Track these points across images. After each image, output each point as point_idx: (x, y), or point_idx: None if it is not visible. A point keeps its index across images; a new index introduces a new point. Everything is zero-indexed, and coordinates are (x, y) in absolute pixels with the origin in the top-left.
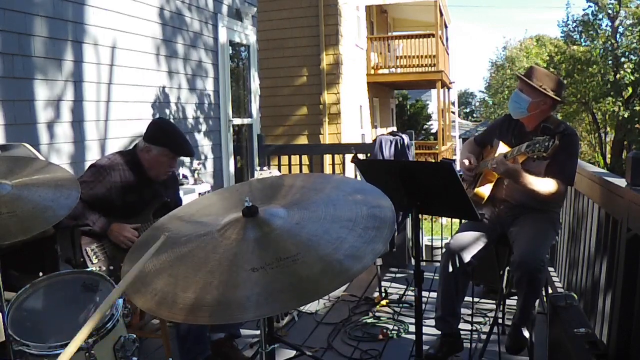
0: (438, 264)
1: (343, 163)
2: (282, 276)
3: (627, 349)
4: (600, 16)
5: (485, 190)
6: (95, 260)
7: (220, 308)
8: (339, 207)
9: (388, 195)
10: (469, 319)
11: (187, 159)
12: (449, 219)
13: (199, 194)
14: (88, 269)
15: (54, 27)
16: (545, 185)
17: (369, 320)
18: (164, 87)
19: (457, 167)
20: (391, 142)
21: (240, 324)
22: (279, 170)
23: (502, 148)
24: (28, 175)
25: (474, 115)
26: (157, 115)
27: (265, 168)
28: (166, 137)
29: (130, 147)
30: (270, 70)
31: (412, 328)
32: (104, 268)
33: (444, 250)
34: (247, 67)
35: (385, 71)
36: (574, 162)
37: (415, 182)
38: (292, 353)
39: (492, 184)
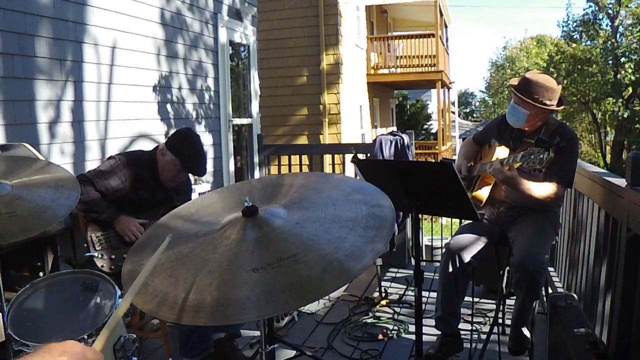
0: (438, 264)
1: (343, 163)
2: (283, 276)
3: (627, 349)
4: (600, 16)
5: (483, 193)
6: (98, 248)
7: (221, 309)
8: (339, 207)
9: (388, 196)
10: (469, 319)
11: None
12: (449, 219)
13: (199, 193)
14: (89, 254)
15: (55, 27)
16: (543, 190)
17: (369, 320)
18: (164, 87)
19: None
20: (391, 142)
21: (240, 323)
22: (279, 170)
23: (500, 151)
24: (28, 175)
25: (474, 115)
26: (158, 115)
27: None
28: (183, 149)
29: (152, 148)
30: (270, 70)
31: (412, 328)
32: (105, 257)
33: (444, 250)
34: (247, 67)
35: (385, 71)
36: (573, 165)
37: (415, 182)
38: (292, 353)
39: (490, 186)
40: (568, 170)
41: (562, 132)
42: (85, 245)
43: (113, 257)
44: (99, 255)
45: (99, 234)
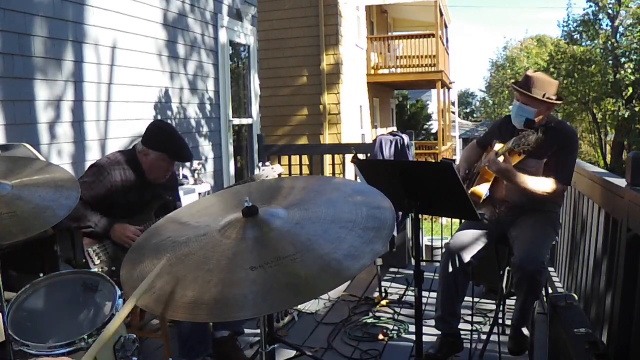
0: (438, 264)
1: (343, 163)
2: (281, 275)
3: (627, 349)
4: (600, 16)
5: (482, 189)
6: (97, 262)
7: (219, 306)
8: (339, 208)
9: (388, 196)
10: (469, 319)
11: None
12: (449, 219)
13: (199, 194)
14: (90, 270)
15: (54, 27)
16: (540, 184)
17: (369, 320)
18: (164, 87)
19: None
20: (391, 142)
21: (243, 320)
22: None
23: (498, 147)
24: (28, 175)
25: (474, 115)
26: (158, 116)
27: (267, 164)
28: (164, 141)
29: (130, 148)
30: (270, 71)
31: (412, 328)
32: (105, 269)
33: (443, 250)
34: (247, 67)
35: (385, 71)
36: (572, 163)
37: (415, 182)
38: (292, 353)
39: (489, 182)
40: (567, 167)
41: (562, 129)
42: (84, 260)
43: (114, 268)
44: (100, 270)
45: (95, 247)
